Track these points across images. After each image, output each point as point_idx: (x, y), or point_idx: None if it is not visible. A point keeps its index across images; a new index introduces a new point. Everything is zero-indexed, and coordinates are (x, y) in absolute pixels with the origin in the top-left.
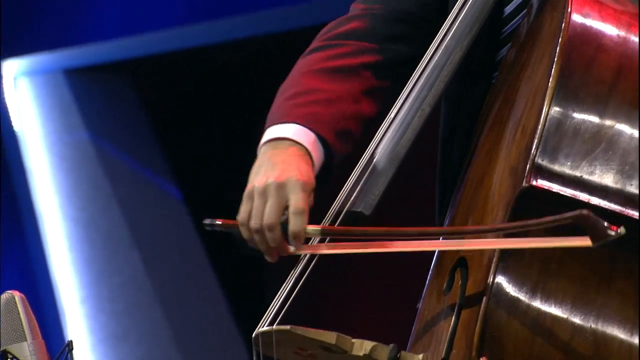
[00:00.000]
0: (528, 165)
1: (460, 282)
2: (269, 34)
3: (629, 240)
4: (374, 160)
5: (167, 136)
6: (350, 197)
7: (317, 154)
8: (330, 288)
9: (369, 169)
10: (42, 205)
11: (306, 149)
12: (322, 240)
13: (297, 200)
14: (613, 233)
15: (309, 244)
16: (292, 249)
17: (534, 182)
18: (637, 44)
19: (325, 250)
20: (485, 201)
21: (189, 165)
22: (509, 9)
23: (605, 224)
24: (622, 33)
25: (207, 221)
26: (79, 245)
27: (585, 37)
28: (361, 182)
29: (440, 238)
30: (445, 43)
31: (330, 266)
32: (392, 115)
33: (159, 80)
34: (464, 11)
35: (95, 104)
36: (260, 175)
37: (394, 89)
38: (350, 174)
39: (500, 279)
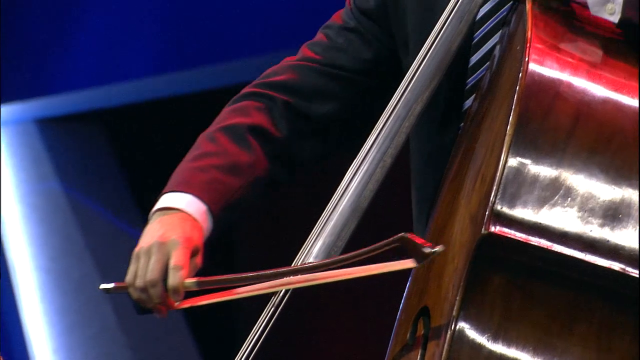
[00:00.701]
0: (487, 213)
1: (423, 331)
2: (240, 83)
3: (589, 285)
4: (337, 212)
5: (139, 186)
6: (314, 249)
7: (206, 224)
8: (301, 329)
9: (332, 221)
10: (14, 255)
11: (195, 218)
12: (204, 291)
13: (177, 257)
14: (429, 250)
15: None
16: (176, 303)
17: (492, 229)
18: (595, 90)
19: (202, 301)
20: (445, 251)
21: None
22: (474, 58)
23: (422, 242)
24: (580, 80)
25: (102, 286)
26: (51, 295)
27: (542, 86)
28: (324, 235)
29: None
30: (405, 95)
31: (301, 307)
32: (355, 167)
33: (131, 130)
34: (425, 63)
35: (67, 153)
36: (147, 238)
37: (319, 148)
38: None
39: (462, 326)
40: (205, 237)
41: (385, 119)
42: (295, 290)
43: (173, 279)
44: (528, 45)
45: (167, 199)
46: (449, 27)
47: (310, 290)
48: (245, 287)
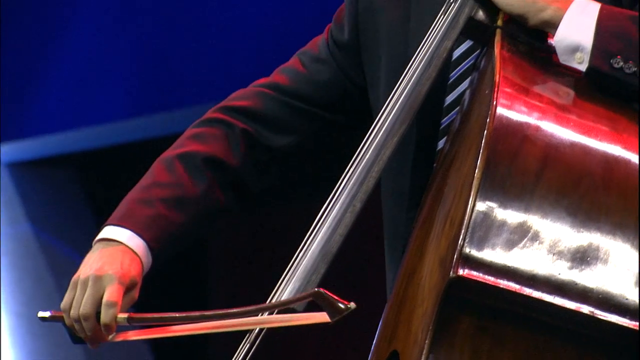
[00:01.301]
0: (455, 256)
1: None
2: None
3: (558, 328)
4: (307, 257)
5: None
6: (284, 293)
7: (146, 259)
8: None
9: (302, 266)
10: None
11: (135, 252)
12: (134, 327)
13: (111, 293)
14: (344, 307)
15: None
16: (109, 337)
17: (461, 272)
18: (563, 133)
19: (134, 336)
20: (415, 294)
21: None
22: (449, 99)
23: (337, 299)
24: (548, 124)
25: (40, 314)
26: (22, 340)
27: (510, 129)
28: (294, 279)
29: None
30: (375, 140)
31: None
32: (325, 211)
33: (102, 174)
34: (394, 108)
35: (39, 197)
36: (86, 268)
37: (275, 178)
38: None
39: None
40: (145, 271)
41: (354, 164)
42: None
43: (105, 315)
44: (496, 89)
45: (109, 231)
46: (418, 71)
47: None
48: (180, 326)
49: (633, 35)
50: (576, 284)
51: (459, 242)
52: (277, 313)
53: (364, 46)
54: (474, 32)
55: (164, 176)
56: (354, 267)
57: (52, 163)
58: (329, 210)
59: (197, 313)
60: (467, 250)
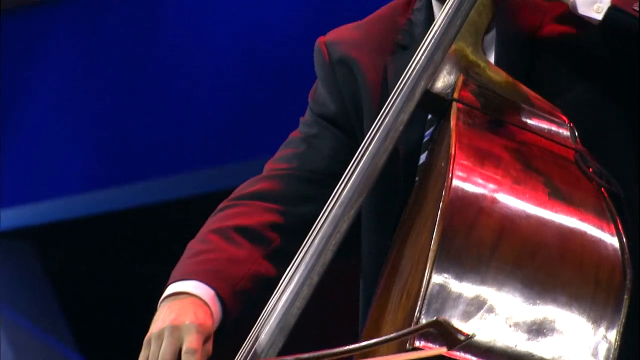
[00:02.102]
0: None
1: None
2: (169, 200)
3: None
4: (264, 330)
5: (70, 303)
6: None
7: (216, 308)
8: None
9: (259, 340)
10: None
11: (205, 302)
12: None
13: (191, 341)
14: (463, 337)
15: None
16: None
17: (417, 344)
18: (519, 205)
19: None
20: None
21: (92, 333)
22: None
23: (457, 329)
24: (504, 196)
25: None
26: None
27: (466, 201)
28: (252, 353)
29: None
30: (332, 212)
31: None
32: (283, 284)
33: (61, 247)
34: (351, 180)
35: None
36: (158, 322)
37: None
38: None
39: None
40: (216, 325)
41: (312, 236)
42: None
43: None
44: (452, 161)
45: (174, 287)
46: (374, 144)
47: None
48: None
49: None
50: (533, 355)
51: (415, 314)
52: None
53: (350, 109)
54: (431, 104)
55: (204, 246)
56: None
57: (9, 237)
58: (288, 283)
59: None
60: (423, 322)
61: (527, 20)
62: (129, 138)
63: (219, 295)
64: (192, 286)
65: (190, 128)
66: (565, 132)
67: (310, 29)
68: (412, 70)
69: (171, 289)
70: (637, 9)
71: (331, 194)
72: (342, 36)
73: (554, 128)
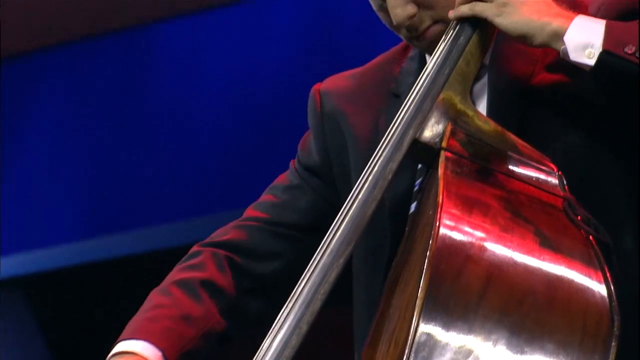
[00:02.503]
0: None
1: None
2: (159, 250)
3: None
4: None
5: (61, 352)
6: None
7: None
8: None
9: None
10: None
11: None
12: None
13: None
14: None
15: None
16: None
17: None
18: (506, 253)
19: None
20: None
21: None
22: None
23: None
24: (491, 244)
25: None
26: None
27: (453, 249)
28: None
29: None
30: (321, 261)
31: None
32: (272, 335)
33: (52, 296)
34: (340, 229)
35: None
36: None
37: (268, 306)
38: None
39: None
40: None
41: (301, 286)
42: None
43: None
44: (439, 209)
45: (121, 346)
46: (364, 193)
47: None
48: None
49: None
50: None
51: None
52: None
53: (335, 163)
54: (419, 153)
55: (163, 300)
56: None
57: (0, 285)
58: (276, 332)
59: None
60: None
61: (518, 69)
62: (120, 186)
63: (165, 357)
64: (139, 347)
65: (183, 176)
66: (554, 181)
67: (304, 78)
68: (401, 120)
69: (118, 347)
70: (630, 52)
71: (304, 252)
72: (337, 86)
73: (542, 176)
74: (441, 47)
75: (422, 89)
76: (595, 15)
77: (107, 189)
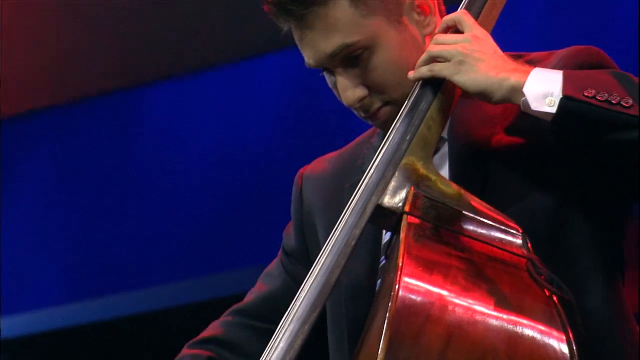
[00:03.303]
0: None
1: None
2: (148, 312)
3: None
4: None
5: None
6: None
7: None
8: None
9: None
10: None
11: None
12: None
13: None
14: None
15: None
16: None
17: None
18: (466, 311)
19: None
20: None
21: None
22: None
23: None
24: (451, 303)
25: None
26: None
27: (413, 309)
28: None
29: None
30: (287, 327)
31: None
32: None
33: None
34: (305, 296)
35: None
36: None
37: None
38: None
39: None
40: None
41: (269, 353)
42: None
43: None
44: (399, 272)
45: None
46: (328, 260)
47: None
48: None
49: (602, 76)
50: None
51: None
52: None
53: (310, 248)
54: (382, 219)
55: None
56: None
57: None
58: None
59: None
60: None
61: (477, 133)
62: (106, 249)
63: None
64: None
65: (169, 239)
66: (517, 241)
67: (291, 139)
68: (364, 186)
69: None
70: (590, 95)
71: None
72: (315, 170)
73: (505, 237)
74: (403, 113)
75: (384, 155)
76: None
77: (93, 252)
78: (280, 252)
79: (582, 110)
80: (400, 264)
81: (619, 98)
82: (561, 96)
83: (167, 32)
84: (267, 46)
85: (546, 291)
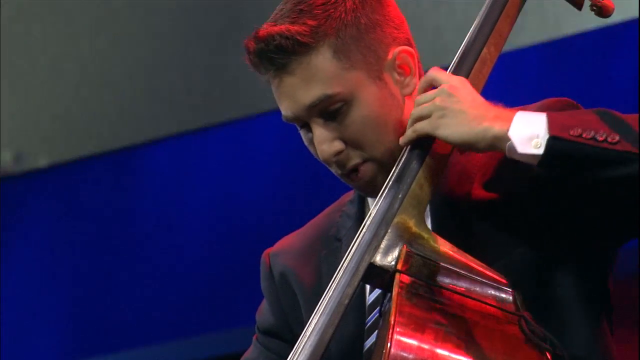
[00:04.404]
0: None
1: None
2: None
3: None
4: None
5: None
6: None
7: None
8: None
9: None
10: None
11: None
12: None
13: None
14: None
15: None
16: None
17: None
18: None
19: None
20: None
21: None
22: (367, 343)
23: None
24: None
25: None
26: None
27: None
28: None
29: None
30: None
31: None
32: None
33: None
34: (301, 355)
35: None
36: None
37: None
38: None
39: None
40: None
41: None
42: None
43: None
44: (391, 330)
45: None
46: (321, 319)
47: None
48: None
49: (586, 115)
50: None
51: None
52: None
53: (292, 321)
54: (375, 277)
55: None
56: None
57: None
58: None
59: None
60: None
61: (456, 190)
62: (106, 308)
63: None
64: None
65: (170, 298)
66: (509, 298)
67: (289, 198)
68: (357, 245)
69: None
70: (575, 134)
71: None
72: (284, 246)
73: (497, 294)
74: (394, 174)
75: (376, 214)
76: None
77: (94, 311)
78: (255, 337)
79: (570, 149)
80: (392, 322)
81: (605, 135)
82: (547, 137)
83: (168, 91)
84: (268, 105)
85: (539, 348)
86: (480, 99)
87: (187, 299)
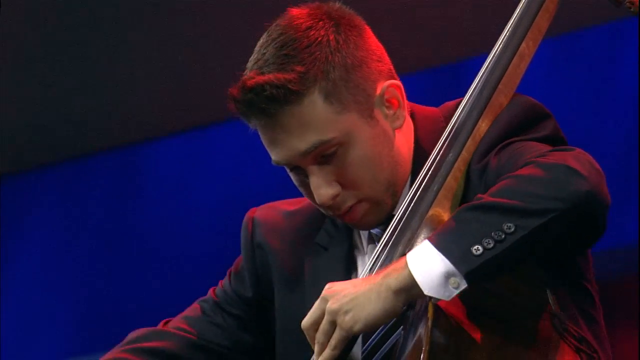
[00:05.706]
0: None
1: None
2: None
3: None
4: None
5: None
6: None
7: None
8: None
9: None
10: None
11: None
12: None
13: None
14: None
15: None
16: None
17: None
18: None
19: None
20: None
21: None
22: None
23: None
24: None
25: None
26: None
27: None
28: None
29: None
30: None
31: None
32: None
33: None
34: None
35: None
36: None
37: None
38: None
39: None
40: None
41: None
42: None
43: None
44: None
45: None
46: None
47: None
48: None
49: (467, 222)
50: None
51: None
52: None
53: (267, 299)
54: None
55: None
56: None
57: None
58: None
59: None
60: None
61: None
62: (112, 304)
63: None
64: None
65: (174, 293)
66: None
67: (295, 194)
68: (390, 236)
69: None
70: (479, 253)
71: None
72: (268, 218)
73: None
74: (429, 163)
75: (410, 205)
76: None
77: (96, 310)
78: (229, 287)
79: (486, 267)
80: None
81: (500, 233)
82: (463, 275)
83: (172, 88)
84: None
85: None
86: (356, 280)
87: (190, 297)
